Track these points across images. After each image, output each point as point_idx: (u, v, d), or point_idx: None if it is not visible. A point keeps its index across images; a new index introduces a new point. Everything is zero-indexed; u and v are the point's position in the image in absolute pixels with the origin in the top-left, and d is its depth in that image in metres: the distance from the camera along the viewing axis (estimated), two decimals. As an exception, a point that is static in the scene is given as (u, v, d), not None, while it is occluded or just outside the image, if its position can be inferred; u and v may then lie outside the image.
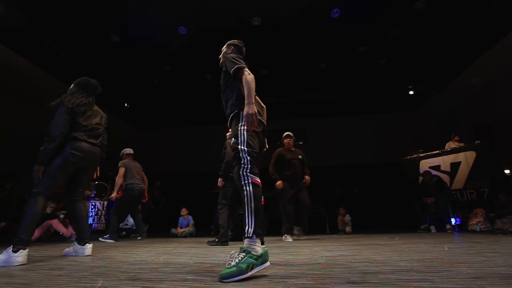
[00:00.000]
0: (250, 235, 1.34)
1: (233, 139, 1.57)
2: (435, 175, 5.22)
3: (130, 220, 5.47)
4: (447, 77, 7.03)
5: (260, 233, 1.39)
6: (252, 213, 1.39)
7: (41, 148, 1.97)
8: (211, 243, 3.21)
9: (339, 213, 6.04)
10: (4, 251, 1.81)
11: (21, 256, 1.80)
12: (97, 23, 5.10)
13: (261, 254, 1.30)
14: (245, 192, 1.43)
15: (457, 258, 1.66)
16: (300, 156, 4.04)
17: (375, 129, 8.42)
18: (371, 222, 7.09)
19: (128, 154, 4.47)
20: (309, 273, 1.31)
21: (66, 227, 4.28)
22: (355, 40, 5.80)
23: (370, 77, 7.15)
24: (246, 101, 1.50)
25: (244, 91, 1.54)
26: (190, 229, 5.49)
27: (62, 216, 4.39)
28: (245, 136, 1.50)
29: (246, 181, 1.44)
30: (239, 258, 1.27)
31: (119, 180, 4.11)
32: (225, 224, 3.32)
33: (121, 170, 4.16)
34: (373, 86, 7.63)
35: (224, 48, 1.99)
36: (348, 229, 5.67)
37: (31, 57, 5.82)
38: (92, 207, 6.28)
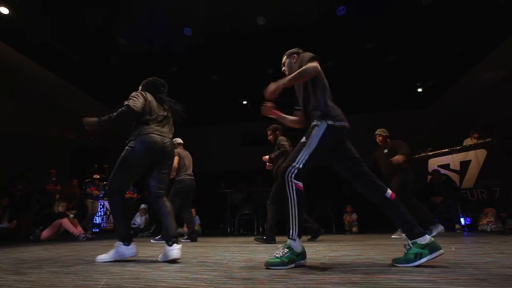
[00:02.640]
0: (294, 238, 1.48)
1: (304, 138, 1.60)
2: (444, 174, 5.12)
3: (137, 220, 5.56)
4: (458, 73, 6.88)
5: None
6: (296, 218, 1.49)
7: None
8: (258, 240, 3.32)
9: (346, 211, 5.99)
10: (116, 246, 1.89)
11: (133, 248, 1.91)
12: (104, 26, 5.20)
13: (301, 252, 1.49)
14: (289, 196, 1.50)
15: (463, 259, 1.63)
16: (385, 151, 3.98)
17: (383, 127, 8.30)
18: (379, 222, 6.99)
19: (179, 143, 4.18)
20: (310, 273, 1.31)
21: (75, 226, 4.37)
22: (362, 37, 5.74)
23: (378, 74, 7.06)
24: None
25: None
26: (196, 228, 5.54)
27: (72, 216, 4.49)
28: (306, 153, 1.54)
29: (291, 186, 1.50)
30: (283, 252, 1.47)
31: (173, 169, 3.79)
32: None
33: (176, 160, 3.82)
34: (381, 84, 7.53)
35: (286, 60, 1.91)
36: (354, 229, 5.62)
37: (45, 63, 5.99)
38: (101, 206, 6.41)
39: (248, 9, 4.99)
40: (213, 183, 7.20)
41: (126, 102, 1.95)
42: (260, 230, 5.93)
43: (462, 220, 4.61)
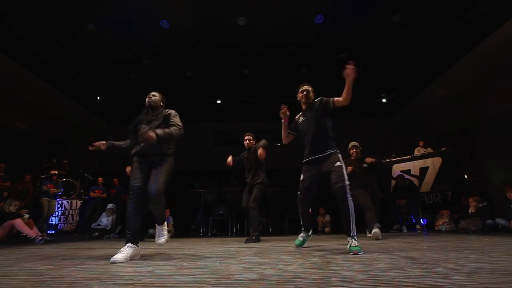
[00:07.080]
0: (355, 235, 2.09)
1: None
2: (407, 179, 5.57)
3: (103, 220, 5.16)
4: (417, 88, 7.54)
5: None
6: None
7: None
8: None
9: (319, 213, 6.19)
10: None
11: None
12: (71, 9, 4.74)
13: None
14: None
15: (440, 255, 1.78)
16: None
17: (351, 133, 8.74)
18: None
19: None
20: (312, 272, 1.33)
21: (31, 228, 3.90)
22: (336, 47, 6.01)
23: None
24: None
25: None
26: (169, 229, 5.31)
27: (26, 216, 4.00)
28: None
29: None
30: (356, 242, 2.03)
31: None
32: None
33: None
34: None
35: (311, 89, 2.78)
36: (327, 229, 5.84)
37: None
38: (59, 206, 5.81)
39: (229, 9, 4.94)
40: (185, 183, 6.96)
41: (179, 125, 2.21)
42: (234, 230, 5.87)
43: (421, 220, 5.05)
